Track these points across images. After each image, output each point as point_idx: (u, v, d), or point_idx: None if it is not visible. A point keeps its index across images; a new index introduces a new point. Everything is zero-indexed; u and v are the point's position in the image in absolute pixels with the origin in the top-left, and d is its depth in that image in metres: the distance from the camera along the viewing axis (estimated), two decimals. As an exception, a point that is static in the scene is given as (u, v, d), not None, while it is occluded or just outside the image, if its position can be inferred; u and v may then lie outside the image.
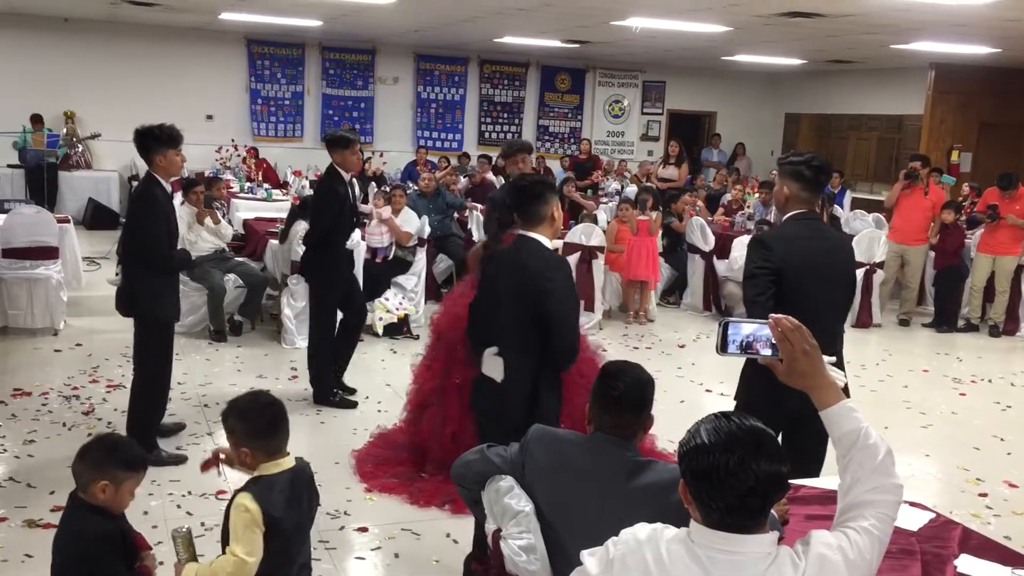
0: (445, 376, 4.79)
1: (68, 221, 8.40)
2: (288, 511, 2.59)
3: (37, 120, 12.95)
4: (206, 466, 2.86)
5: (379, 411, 5.97)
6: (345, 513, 4.50)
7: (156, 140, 4.87)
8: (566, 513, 2.50)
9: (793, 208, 3.71)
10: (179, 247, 5.28)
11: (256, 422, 2.62)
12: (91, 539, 2.58)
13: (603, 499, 2.44)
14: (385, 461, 5.01)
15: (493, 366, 3.57)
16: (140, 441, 5.18)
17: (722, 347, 2.00)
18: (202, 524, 4.27)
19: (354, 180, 6.16)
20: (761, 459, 1.73)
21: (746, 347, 1.99)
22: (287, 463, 2.66)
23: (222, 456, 2.79)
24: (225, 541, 2.61)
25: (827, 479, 3.05)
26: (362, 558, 4.09)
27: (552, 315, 3.40)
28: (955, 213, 9.48)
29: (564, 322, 3.44)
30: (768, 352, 1.99)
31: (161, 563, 2.87)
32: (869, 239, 9.45)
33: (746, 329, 1.99)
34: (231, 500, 2.61)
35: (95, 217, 12.94)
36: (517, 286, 3.47)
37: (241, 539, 2.49)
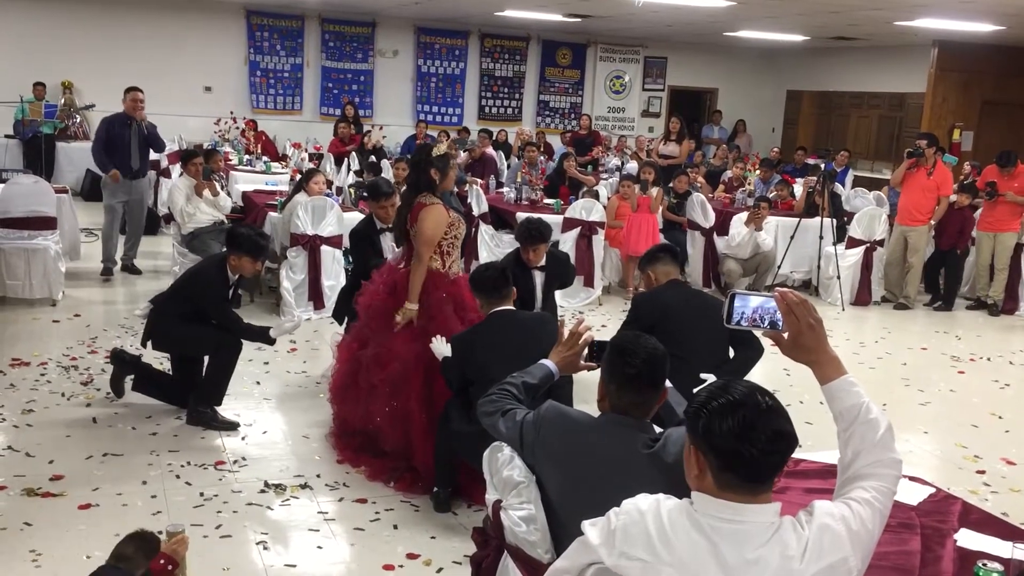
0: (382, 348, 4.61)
1: (66, 192, 8.38)
2: None
3: (40, 86, 12.89)
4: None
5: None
6: (344, 485, 4.50)
7: None
8: (579, 498, 2.43)
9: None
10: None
11: None
12: None
13: (617, 486, 2.37)
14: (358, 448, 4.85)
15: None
16: None
17: (728, 318, 2.00)
18: (201, 495, 4.29)
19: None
20: (772, 415, 1.76)
21: (753, 319, 2.00)
22: None
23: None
24: None
25: (826, 453, 3.05)
26: (361, 529, 4.09)
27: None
28: (971, 196, 9.36)
29: None
30: (774, 325, 1.99)
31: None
32: (870, 217, 9.42)
33: (753, 302, 2.00)
34: None
35: (93, 188, 12.85)
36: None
37: None
